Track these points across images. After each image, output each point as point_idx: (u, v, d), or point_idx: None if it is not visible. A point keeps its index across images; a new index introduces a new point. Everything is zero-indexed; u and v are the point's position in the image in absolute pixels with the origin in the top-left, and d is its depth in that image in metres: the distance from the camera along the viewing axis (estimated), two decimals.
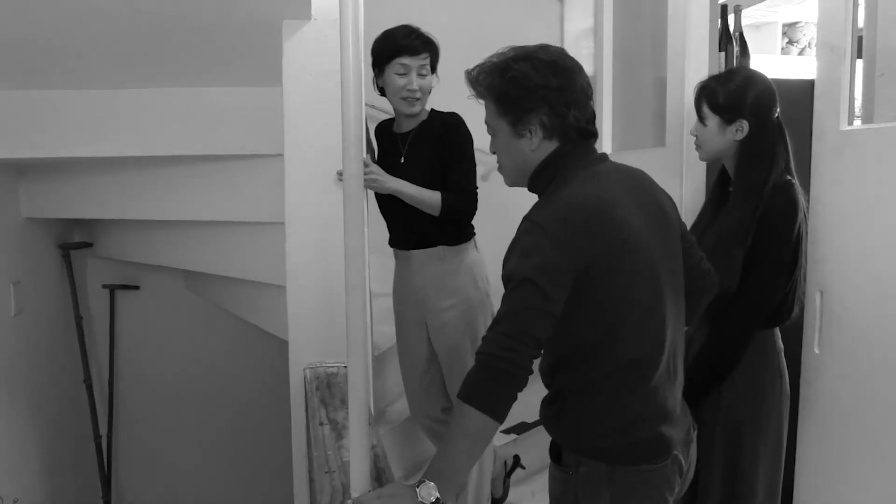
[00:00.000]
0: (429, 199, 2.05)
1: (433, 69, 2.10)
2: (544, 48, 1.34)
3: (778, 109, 1.79)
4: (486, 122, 1.39)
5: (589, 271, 1.24)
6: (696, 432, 1.46)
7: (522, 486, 2.64)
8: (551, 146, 1.34)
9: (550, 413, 1.39)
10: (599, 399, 1.32)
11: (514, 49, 1.35)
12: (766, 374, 1.80)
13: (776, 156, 1.76)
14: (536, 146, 1.33)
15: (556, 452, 1.42)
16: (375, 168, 2.03)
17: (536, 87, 1.29)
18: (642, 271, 1.30)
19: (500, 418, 1.20)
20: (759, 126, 1.77)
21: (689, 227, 1.87)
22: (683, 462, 1.39)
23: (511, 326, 1.21)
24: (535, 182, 1.37)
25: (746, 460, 1.79)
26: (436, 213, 2.06)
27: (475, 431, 1.19)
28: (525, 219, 1.29)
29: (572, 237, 1.24)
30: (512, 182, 1.43)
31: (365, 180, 1.70)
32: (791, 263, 1.74)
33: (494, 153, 1.42)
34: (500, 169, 1.43)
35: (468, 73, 1.37)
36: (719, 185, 1.91)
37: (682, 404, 1.43)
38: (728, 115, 1.79)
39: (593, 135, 1.37)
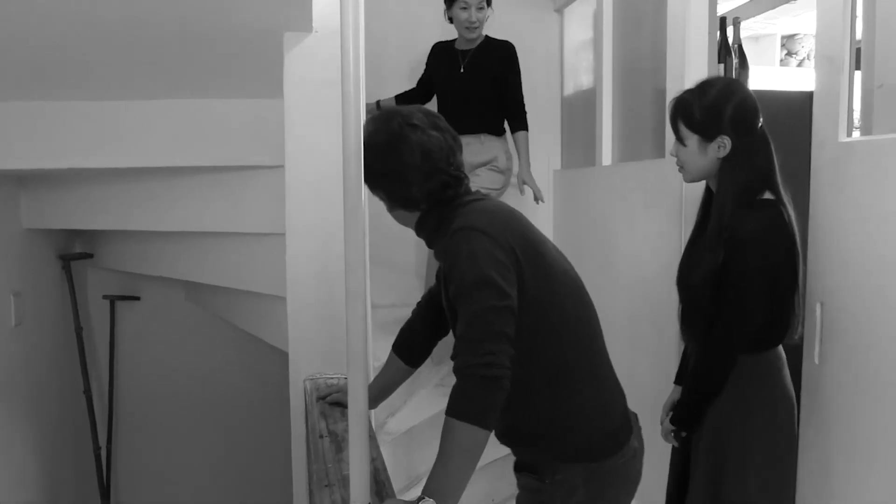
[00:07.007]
0: None
1: (489, 3, 2.87)
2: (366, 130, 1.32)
3: (761, 120, 1.70)
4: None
5: (520, 264, 1.30)
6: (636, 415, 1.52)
7: None
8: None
9: (512, 431, 1.44)
10: (566, 394, 1.38)
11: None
12: (754, 400, 1.72)
13: (757, 170, 1.68)
14: (426, 210, 1.42)
15: (522, 464, 1.45)
16: None
17: (380, 174, 1.37)
18: (556, 264, 1.40)
19: (489, 426, 1.20)
20: (741, 140, 1.67)
21: (682, 248, 1.86)
22: (638, 446, 1.46)
23: (480, 330, 1.21)
24: (424, 223, 1.43)
25: (729, 486, 1.72)
26: None
27: (466, 444, 1.19)
28: (456, 230, 1.31)
29: (503, 233, 1.31)
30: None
31: None
32: (774, 286, 1.66)
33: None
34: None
35: None
36: (706, 206, 1.80)
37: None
38: (707, 132, 1.68)
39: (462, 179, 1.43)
